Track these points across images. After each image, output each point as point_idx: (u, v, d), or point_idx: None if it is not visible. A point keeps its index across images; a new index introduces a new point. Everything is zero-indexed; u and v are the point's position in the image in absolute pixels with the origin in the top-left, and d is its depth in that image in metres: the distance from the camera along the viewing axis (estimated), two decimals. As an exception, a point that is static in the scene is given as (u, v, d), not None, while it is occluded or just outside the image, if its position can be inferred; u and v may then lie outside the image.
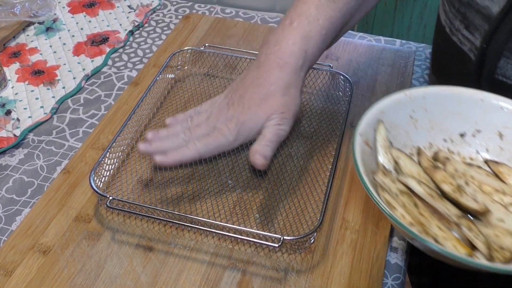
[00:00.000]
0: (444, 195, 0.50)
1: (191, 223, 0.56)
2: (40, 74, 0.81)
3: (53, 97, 0.77)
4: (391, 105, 0.54)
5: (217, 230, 0.55)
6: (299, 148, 0.67)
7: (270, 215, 0.59)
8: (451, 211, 0.48)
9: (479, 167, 0.54)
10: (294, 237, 0.54)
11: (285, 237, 0.53)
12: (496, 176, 0.53)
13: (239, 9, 0.98)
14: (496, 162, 0.54)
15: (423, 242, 0.41)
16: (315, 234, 0.56)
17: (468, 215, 0.49)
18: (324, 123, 0.70)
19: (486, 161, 0.55)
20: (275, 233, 0.56)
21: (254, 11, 1.03)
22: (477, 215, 0.49)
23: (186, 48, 0.79)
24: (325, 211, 0.56)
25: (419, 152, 0.55)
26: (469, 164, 0.54)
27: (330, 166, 0.62)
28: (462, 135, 0.56)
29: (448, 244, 0.45)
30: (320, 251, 0.56)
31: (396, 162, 0.52)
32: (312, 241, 0.56)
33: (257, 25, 0.89)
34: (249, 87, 0.60)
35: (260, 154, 0.58)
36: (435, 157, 0.55)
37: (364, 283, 0.53)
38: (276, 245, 0.53)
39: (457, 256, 0.41)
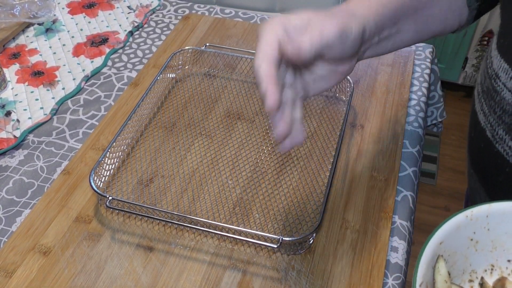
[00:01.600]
0: None
1: (190, 224, 0.56)
2: (40, 75, 0.81)
3: (53, 98, 0.77)
4: (450, 232, 0.48)
5: (216, 230, 0.55)
6: (299, 148, 0.67)
7: (270, 215, 0.59)
8: None
9: None
10: (292, 238, 0.54)
11: (283, 238, 0.53)
12: None
13: (239, 9, 0.99)
14: None
15: None
16: (313, 235, 0.56)
17: None
18: (324, 123, 0.70)
19: None
20: (275, 234, 0.56)
21: (253, 11, 1.03)
22: None
23: (187, 47, 0.79)
24: (324, 212, 0.56)
25: (483, 284, 0.49)
26: None
27: (330, 166, 0.62)
28: None
29: None
30: (320, 251, 0.56)
31: None
32: (311, 242, 0.56)
33: (256, 25, 0.89)
34: None
35: (292, 43, 0.49)
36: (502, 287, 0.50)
37: (365, 283, 0.53)
38: (275, 246, 0.53)
39: None
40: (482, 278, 0.50)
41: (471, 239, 0.50)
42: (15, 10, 0.88)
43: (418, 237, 0.75)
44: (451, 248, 0.48)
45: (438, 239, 0.47)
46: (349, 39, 0.48)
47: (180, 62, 0.78)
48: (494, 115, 0.57)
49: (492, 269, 0.51)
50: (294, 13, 0.49)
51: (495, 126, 0.57)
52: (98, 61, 0.83)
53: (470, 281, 0.50)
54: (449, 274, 0.48)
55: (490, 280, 0.50)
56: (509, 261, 0.50)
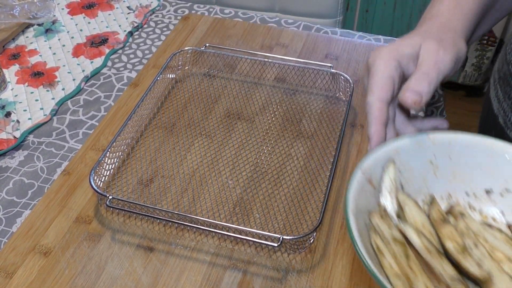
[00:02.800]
0: (446, 253, 0.44)
1: (191, 223, 0.56)
2: (40, 76, 0.81)
3: (53, 98, 0.77)
4: (409, 146, 0.48)
5: (216, 229, 0.55)
6: (299, 148, 0.67)
7: (270, 215, 0.59)
8: (446, 271, 0.42)
9: (500, 230, 0.47)
10: (293, 237, 0.54)
11: (284, 237, 0.53)
12: None
13: (238, 9, 0.98)
14: None
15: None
16: (314, 234, 0.56)
17: (467, 280, 0.43)
18: (324, 123, 0.70)
19: (510, 226, 0.48)
20: (275, 233, 0.56)
21: (253, 11, 1.03)
22: (478, 282, 0.43)
23: (186, 48, 0.79)
24: (324, 211, 0.56)
25: (432, 201, 0.49)
26: (489, 225, 0.48)
27: (330, 166, 0.62)
28: (488, 192, 0.49)
29: None
30: (320, 250, 0.56)
31: (401, 208, 0.47)
32: (311, 241, 0.56)
33: (256, 25, 0.89)
34: None
35: (411, 90, 0.47)
36: (450, 211, 0.49)
37: (365, 283, 0.53)
38: (275, 245, 0.53)
39: None
40: (432, 196, 0.50)
41: (431, 162, 0.50)
42: (14, 10, 0.88)
43: (418, 237, 0.75)
44: (408, 162, 0.49)
45: (395, 146, 0.48)
46: (460, 62, 0.49)
47: (180, 63, 0.78)
48: (508, 100, 0.57)
49: (449, 198, 0.50)
50: (403, 40, 0.50)
51: (508, 112, 0.57)
52: (98, 61, 0.83)
53: (423, 201, 0.50)
54: (402, 186, 0.49)
55: (445, 207, 0.50)
56: (467, 194, 0.50)
